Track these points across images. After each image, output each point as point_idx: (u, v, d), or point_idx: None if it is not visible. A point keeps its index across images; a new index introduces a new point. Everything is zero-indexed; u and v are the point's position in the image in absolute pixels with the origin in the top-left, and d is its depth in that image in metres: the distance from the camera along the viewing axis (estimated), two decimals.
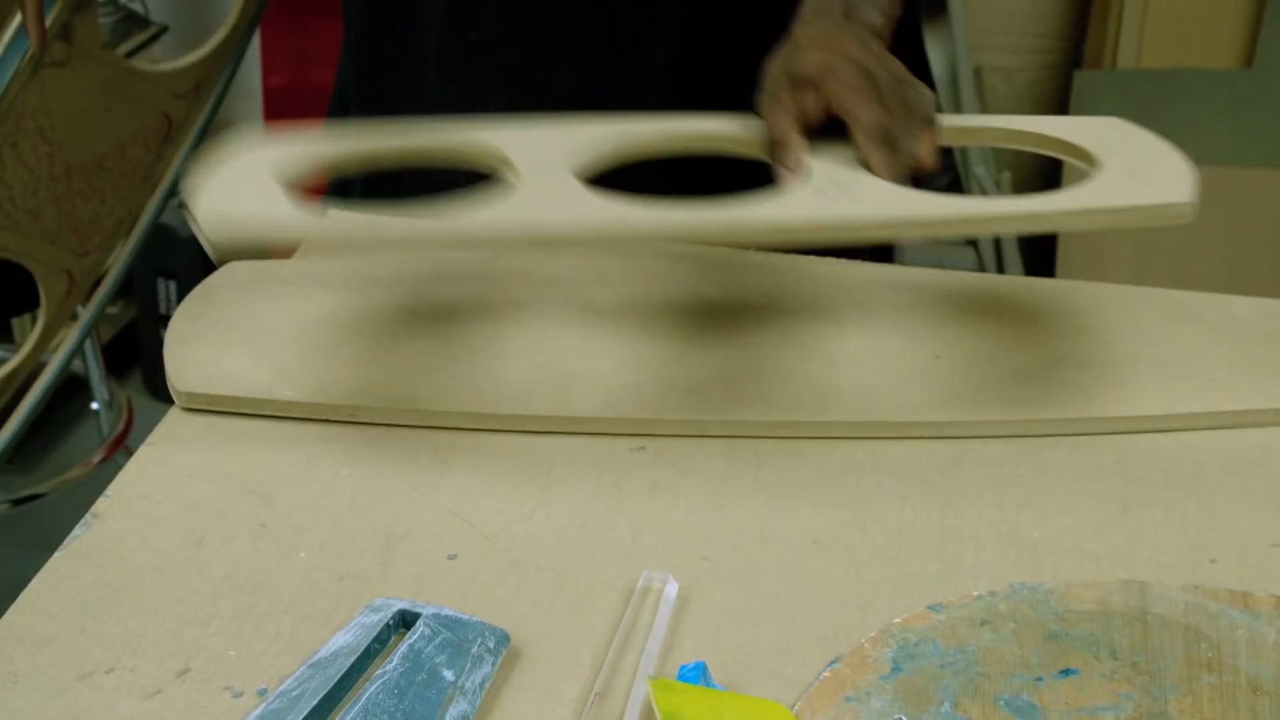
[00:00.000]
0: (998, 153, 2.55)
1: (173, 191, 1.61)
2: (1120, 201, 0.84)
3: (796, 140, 0.90)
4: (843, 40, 0.93)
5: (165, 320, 2.59)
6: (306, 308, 0.98)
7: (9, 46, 1.30)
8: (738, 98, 1.15)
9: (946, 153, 2.53)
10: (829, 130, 0.95)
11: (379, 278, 1.02)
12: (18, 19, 1.28)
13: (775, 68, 0.94)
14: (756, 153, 0.93)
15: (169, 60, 1.50)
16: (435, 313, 0.99)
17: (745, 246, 0.82)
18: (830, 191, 0.85)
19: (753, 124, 0.94)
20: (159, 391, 2.57)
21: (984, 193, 2.40)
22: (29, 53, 1.31)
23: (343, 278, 1.01)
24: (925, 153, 0.88)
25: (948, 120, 0.97)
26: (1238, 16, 2.51)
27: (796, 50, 0.93)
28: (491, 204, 0.82)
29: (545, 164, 0.86)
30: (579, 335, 0.96)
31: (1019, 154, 2.63)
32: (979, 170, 2.38)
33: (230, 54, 1.59)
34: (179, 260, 2.57)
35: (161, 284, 2.60)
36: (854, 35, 0.94)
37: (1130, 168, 0.88)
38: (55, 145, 1.40)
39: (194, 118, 1.55)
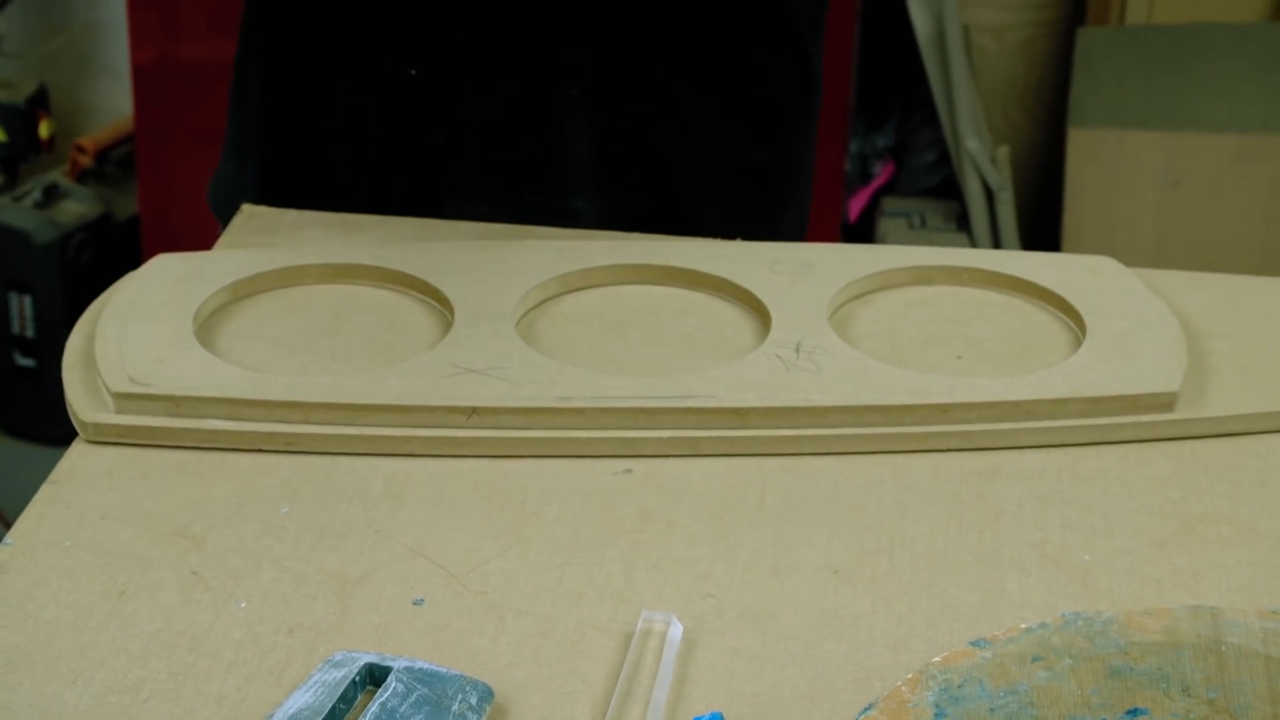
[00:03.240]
0: (993, 123, 2.58)
1: None
2: (1099, 389, 0.92)
3: None
4: None
5: (18, 342, 2.57)
6: (225, 319, 0.99)
7: None
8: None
9: (933, 124, 2.56)
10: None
11: (308, 279, 1.03)
12: None
13: None
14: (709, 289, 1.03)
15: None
16: (380, 321, 1.00)
17: (696, 427, 0.90)
18: (793, 361, 0.93)
19: (714, 255, 1.04)
20: (18, 428, 2.55)
21: (977, 170, 2.43)
22: None
23: (265, 280, 1.02)
24: None
25: (918, 257, 1.05)
26: None
27: None
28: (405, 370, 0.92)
29: (482, 313, 0.97)
30: (550, 344, 0.97)
31: (1016, 126, 2.66)
32: (972, 145, 2.41)
33: None
34: (35, 271, 2.56)
35: (14, 299, 2.58)
36: None
37: (1117, 335, 0.96)
38: None
39: None
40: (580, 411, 0.89)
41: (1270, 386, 0.95)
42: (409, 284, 1.02)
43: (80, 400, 0.92)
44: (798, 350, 0.94)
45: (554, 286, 1.02)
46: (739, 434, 0.90)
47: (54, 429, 2.45)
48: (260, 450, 0.89)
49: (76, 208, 2.63)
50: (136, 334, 0.94)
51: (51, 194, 2.62)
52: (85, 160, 2.69)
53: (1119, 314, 0.99)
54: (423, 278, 1.01)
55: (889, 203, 2.65)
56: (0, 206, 2.59)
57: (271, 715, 0.71)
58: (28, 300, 2.58)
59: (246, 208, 1.13)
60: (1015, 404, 0.91)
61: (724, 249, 1.06)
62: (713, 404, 0.90)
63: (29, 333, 2.57)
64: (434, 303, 1.01)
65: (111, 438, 0.90)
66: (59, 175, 2.68)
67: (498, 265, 1.02)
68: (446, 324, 0.98)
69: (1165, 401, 0.92)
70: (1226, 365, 0.96)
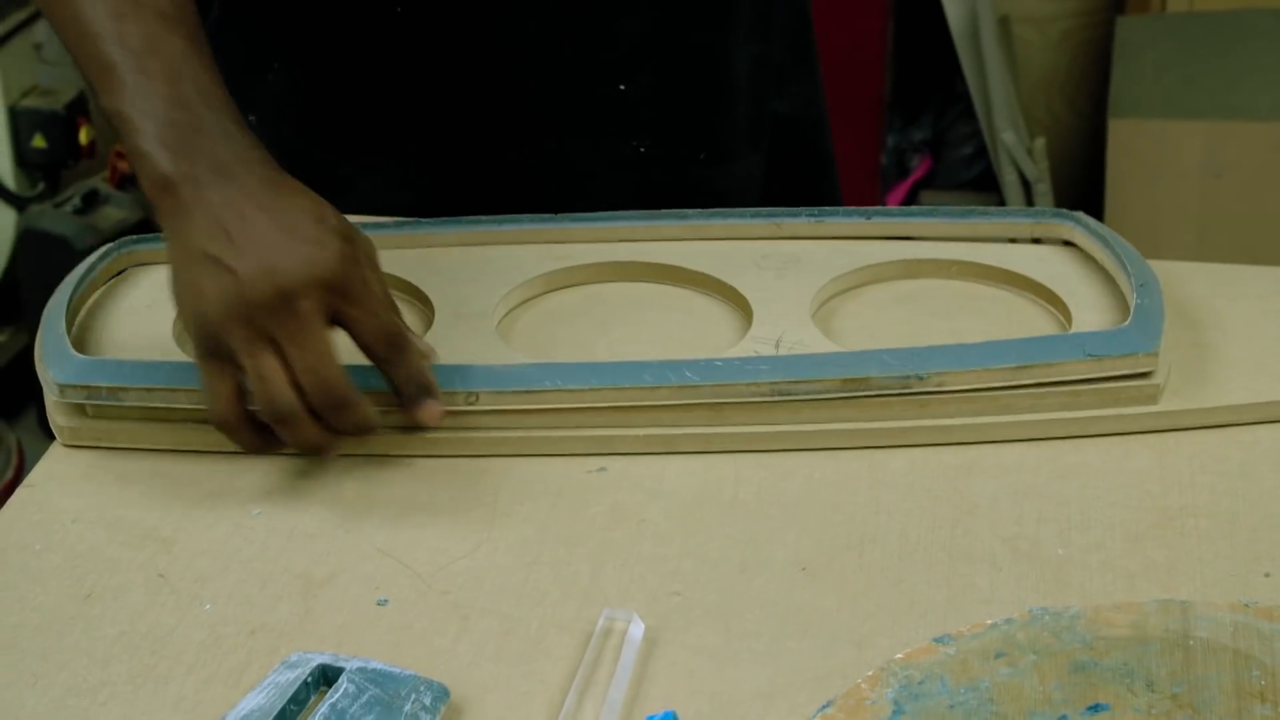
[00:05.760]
0: (1030, 116, 2.56)
1: None
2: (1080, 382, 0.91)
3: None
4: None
5: None
6: None
7: None
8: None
9: (970, 117, 2.55)
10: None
11: None
12: None
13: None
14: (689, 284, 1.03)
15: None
16: None
17: (670, 425, 0.91)
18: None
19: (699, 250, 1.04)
20: None
21: (1013, 163, 2.42)
22: None
23: None
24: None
25: (906, 250, 1.04)
26: None
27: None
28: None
29: (463, 313, 0.97)
30: (532, 343, 0.97)
31: (1059, 117, 2.65)
32: (1007, 137, 2.40)
33: None
34: None
35: None
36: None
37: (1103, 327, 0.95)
38: None
39: None
40: (554, 410, 0.89)
41: (1258, 377, 0.94)
42: (392, 284, 1.02)
43: (58, 405, 0.92)
44: (777, 346, 0.94)
45: (538, 285, 1.02)
46: (714, 431, 0.90)
47: None
48: (234, 453, 0.90)
49: (116, 214, 2.65)
50: (116, 338, 0.95)
51: (91, 200, 2.64)
52: (125, 166, 2.71)
53: (1106, 305, 0.98)
54: (405, 277, 1.01)
55: (927, 196, 2.64)
56: (40, 213, 2.62)
57: (225, 717, 0.71)
58: None
59: None
60: (994, 397, 0.90)
61: (711, 244, 1.06)
62: (687, 400, 0.90)
63: None
64: (416, 302, 1.01)
65: (88, 441, 0.91)
66: (99, 181, 2.70)
67: (482, 264, 1.02)
68: (428, 323, 0.98)
69: (1149, 394, 0.91)
70: (1216, 356, 0.95)
